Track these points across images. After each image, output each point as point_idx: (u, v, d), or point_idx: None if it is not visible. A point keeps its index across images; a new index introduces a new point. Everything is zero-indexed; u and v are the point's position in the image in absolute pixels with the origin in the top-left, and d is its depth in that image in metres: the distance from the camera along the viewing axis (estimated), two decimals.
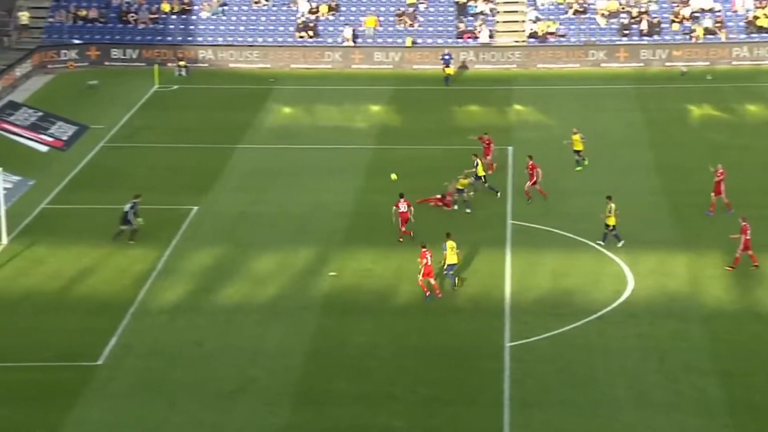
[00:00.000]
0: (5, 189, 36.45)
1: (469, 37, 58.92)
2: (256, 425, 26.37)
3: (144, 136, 47.72)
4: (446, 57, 55.19)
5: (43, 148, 39.58)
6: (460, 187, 38.30)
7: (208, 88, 54.63)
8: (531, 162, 39.09)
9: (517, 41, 59.25)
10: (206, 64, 57.81)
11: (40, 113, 40.89)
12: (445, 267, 32.67)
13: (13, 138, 39.61)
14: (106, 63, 57.77)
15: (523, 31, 59.56)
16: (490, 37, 58.23)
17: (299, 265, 34.58)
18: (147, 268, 34.24)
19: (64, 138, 39.91)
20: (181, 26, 59.95)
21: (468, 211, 38.11)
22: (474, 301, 32.42)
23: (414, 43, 58.21)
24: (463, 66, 57.09)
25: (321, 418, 26.71)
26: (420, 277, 32.07)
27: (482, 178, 39.40)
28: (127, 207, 35.73)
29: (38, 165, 41.31)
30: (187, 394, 27.59)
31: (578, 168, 42.19)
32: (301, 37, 59.40)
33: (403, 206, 35.81)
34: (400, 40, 59.05)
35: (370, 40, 59.07)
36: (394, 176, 37.35)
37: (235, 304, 32.28)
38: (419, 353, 29.49)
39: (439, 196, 38.70)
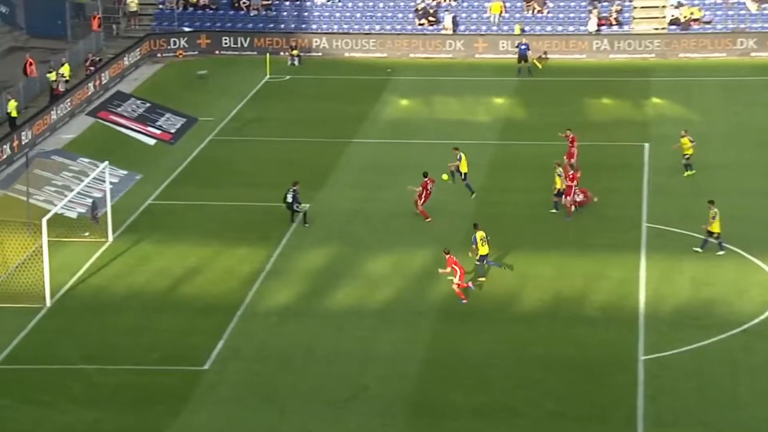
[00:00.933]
0: (112, 183, 37.54)
1: (602, 24, 58.13)
2: None
3: (254, 128, 48.55)
4: (522, 47, 54.40)
5: (151, 141, 40.43)
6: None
7: (322, 79, 55.24)
8: (572, 172, 37.96)
9: (656, 29, 58.25)
10: (320, 53, 58.47)
11: (148, 104, 41.82)
12: (477, 259, 32.96)
13: (121, 130, 40.66)
14: (217, 52, 58.95)
15: (664, 17, 58.52)
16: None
17: (415, 267, 34.68)
18: (255, 269, 34.81)
19: (173, 130, 40.68)
20: (295, 13, 60.77)
21: (596, 200, 37.79)
22: (605, 309, 32.00)
23: (522, 30, 57.63)
24: (596, 54, 56.47)
25: (436, 431, 26.72)
26: (456, 282, 32.11)
27: (464, 174, 38.98)
28: (289, 197, 37.33)
29: (145, 158, 42.44)
30: (296, 402, 27.95)
31: (688, 173, 40.87)
32: (421, 24, 59.54)
33: (430, 185, 36.98)
34: (528, 28, 58.63)
35: (495, 28, 58.85)
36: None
37: (347, 307, 32.56)
38: (544, 364, 29.26)
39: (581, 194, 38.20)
